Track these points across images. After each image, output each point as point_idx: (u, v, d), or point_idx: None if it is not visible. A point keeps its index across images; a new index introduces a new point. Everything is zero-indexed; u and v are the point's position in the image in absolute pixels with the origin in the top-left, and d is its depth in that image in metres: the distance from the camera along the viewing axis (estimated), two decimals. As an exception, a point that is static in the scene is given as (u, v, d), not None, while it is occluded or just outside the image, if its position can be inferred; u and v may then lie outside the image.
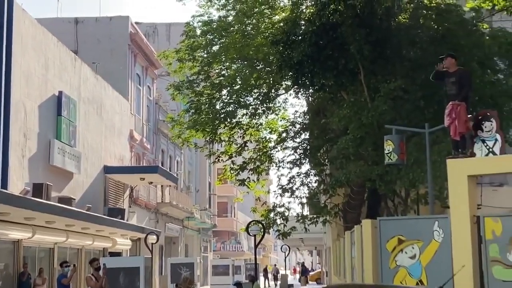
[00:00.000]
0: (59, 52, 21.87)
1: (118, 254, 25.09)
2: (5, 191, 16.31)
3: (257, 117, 20.25)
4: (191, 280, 15.92)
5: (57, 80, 21.14)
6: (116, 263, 18.46)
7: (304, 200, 20.02)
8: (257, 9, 19.09)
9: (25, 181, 18.65)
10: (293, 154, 19.89)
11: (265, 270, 38.46)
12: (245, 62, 19.33)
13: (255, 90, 19.57)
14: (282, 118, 21.23)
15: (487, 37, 15.88)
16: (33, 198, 16.94)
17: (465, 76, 9.89)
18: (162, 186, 33.04)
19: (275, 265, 38.16)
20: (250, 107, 19.85)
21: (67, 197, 20.56)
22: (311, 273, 41.76)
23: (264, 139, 21.25)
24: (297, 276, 35.76)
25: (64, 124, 21.06)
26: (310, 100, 19.86)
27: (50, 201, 18.33)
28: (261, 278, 40.24)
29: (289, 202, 20.02)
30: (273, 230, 22.66)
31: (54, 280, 19.03)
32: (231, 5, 19.30)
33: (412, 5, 16.20)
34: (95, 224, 21.52)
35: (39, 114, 19.91)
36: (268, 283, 39.57)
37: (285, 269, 41.66)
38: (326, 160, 19.15)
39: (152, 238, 25.64)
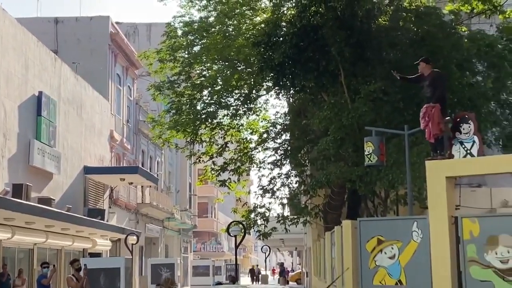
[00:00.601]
0: (39, 52, 21.76)
1: (98, 255, 25.14)
2: (-18, 192, 15.40)
3: (238, 118, 20.28)
4: (173, 281, 15.50)
5: (37, 80, 21.11)
6: (96, 264, 18.62)
7: (285, 201, 19.99)
8: (238, 10, 19.10)
9: (5, 182, 18.50)
10: (273, 155, 20.05)
11: (252, 271, 38.57)
12: (226, 63, 19.42)
13: (236, 91, 19.63)
14: (263, 119, 21.28)
15: (466, 40, 16.17)
16: (12, 199, 16.79)
17: (438, 78, 10.12)
18: (142, 186, 32.98)
19: (257, 265, 38.47)
20: (231, 108, 19.87)
21: (47, 198, 20.52)
22: (291, 274, 42.13)
23: (245, 140, 21.35)
24: (276, 276, 35.82)
25: (44, 124, 20.96)
26: (291, 101, 19.90)
27: (30, 202, 18.20)
28: (247, 279, 40.49)
29: (269, 203, 20.00)
30: (254, 230, 22.99)
31: (34, 280, 18.72)
32: (212, 6, 19.30)
33: (392, 7, 16.23)
34: (75, 224, 21.38)
35: (19, 114, 19.80)
36: (257, 284, 40.23)
37: (266, 270, 41.65)
38: (307, 161, 19.27)
39: (132, 239, 25.60)
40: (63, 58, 24.20)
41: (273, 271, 36.37)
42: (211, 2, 19.18)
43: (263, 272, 40.52)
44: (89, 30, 28.07)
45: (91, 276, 16.40)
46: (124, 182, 27.79)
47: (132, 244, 25.54)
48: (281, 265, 39.05)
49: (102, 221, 24.17)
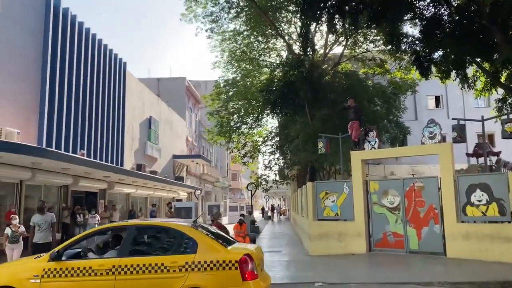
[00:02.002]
0: (150, 96, 31.53)
1: (180, 200, 34.12)
2: (122, 168, 24.15)
3: (252, 129, 29.09)
4: (219, 213, 18.14)
5: (148, 110, 30.95)
6: (179, 205, 25.43)
7: (276, 172, 28.68)
8: (252, 73, 27.81)
9: (132, 162, 27.78)
10: (270, 148, 28.50)
11: (262, 209, 49.00)
12: (246, 101, 27.79)
13: (251, 116, 28.31)
14: (265, 129, 30.41)
15: (371, 87, 22.13)
16: (136, 171, 25.15)
17: (357, 108, 14.86)
18: (202, 165, 43.60)
19: (272, 205, 49.57)
20: (248, 124, 28.68)
21: (154, 171, 29.88)
22: (281, 210, 54.57)
23: (255, 141, 30.31)
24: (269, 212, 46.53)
25: (152, 133, 30.93)
26: (280, 120, 26.73)
27: (145, 173, 26.51)
28: (258, 213, 51.42)
29: (268, 173, 28.85)
30: (260, 187, 30.23)
31: (148, 213, 27.36)
32: (238, 72, 27.98)
33: (332, 71, 22.49)
34: (169, 184, 30.37)
35: (139, 128, 29.35)
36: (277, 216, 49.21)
37: (266, 207, 52.97)
38: (288, 151, 25.04)
39: (198, 192, 35.01)
40: (162, 98, 34.15)
41: (271, 208, 46.19)
42: (238, 70, 27.83)
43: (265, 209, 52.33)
44: (175, 83, 38.25)
45: (177, 211, 22.84)
46: (193, 163, 38.58)
47: (198, 195, 34.87)
48: (272, 206, 48.77)
49: (182, 183, 33.66)
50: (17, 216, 11.54)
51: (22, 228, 10.76)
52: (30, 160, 15.08)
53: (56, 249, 6.63)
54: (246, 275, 6.03)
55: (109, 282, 6.13)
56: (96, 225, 18.39)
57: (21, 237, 10.59)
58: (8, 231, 10.57)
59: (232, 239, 7.44)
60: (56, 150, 17.31)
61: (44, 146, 17.81)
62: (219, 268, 6.02)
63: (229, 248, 6.43)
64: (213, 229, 7.42)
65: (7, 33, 16.91)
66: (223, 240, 6.84)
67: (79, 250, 6.73)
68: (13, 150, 13.55)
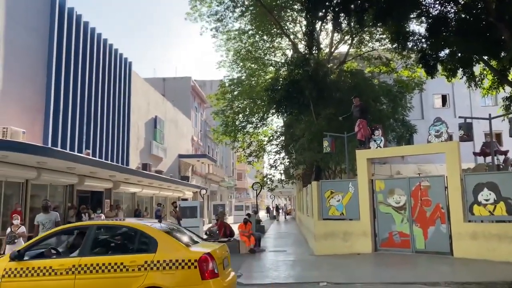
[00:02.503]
0: (155, 95, 31.58)
1: (185, 199, 34.18)
2: (128, 167, 23.98)
3: (257, 128, 29.03)
4: (224, 213, 20.94)
5: (154, 110, 30.93)
6: (184, 204, 25.03)
7: (282, 172, 28.45)
8: (257, 73, 27.65)
9: (138, 162, 27.74)
10: (276, 147, 28.27)
11: (268, 208, 49.40)
12: (251, 100, 27.57)
13: (256, 115, 28.17)
14: (270, 129, 30.30)
15: (377, 86, 21.91)
16: (142, 171, 24.98)
17: (364, 106, 14.70)
18: (208, 164, 43.72)
19: (277, 204, 49.85)
20: (254, 123, 28.57)
21: (160, 170, 29.90)
22: (287, 208, 54.69)
23: (261, 140, 30.25)
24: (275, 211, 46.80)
25: (158, 132, 30.90)
26: (285, 119, 26.33)
27: (151, 172, 26.45)
28: (263, 213, 51.45)
29: (274, 173, 28.82)
30: (266, 187, 30.25)
31: (153, 213, 25.70)
32: (243, 71, 27.81)
33: (338, 70, 22.61)
34: (174, 184, 30.42)
35: (145, 128, 29.33)
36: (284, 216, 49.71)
37: (272, 208, 52.59)
38: (293, 150, 24.27)
39: (203, 191, 34.83)
40: (167, 98, 34.24)
41: (275, 208, 46.32)
42: (243, 68, 27.66)
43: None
44: (181, 83, 38.36)
45: (182, 210, 22.33)
46: (199, 162, 38.52)
47: (203, 194, 34.71)
48: (277, 205, 49.06)
49: (187, 182, 33.65)
50: (18, 216, 11.51)
51: (22, 229, 10.71)
52: (35, 160, 15.14)
53: (17, 249, 6.70)
54: (206, 274, 6.09)
55: (69, 281, 6.18)
56: (101, 225, 18.19)
57: (20, 238, 10.53)
58: (9, 231, 10.54)
59: (199, 238, 7.49)
60: (61, 150, 17.34)
61: (49, 145, 17.84)
62: (178, 267, 6.08)
63: (191, 247, 6.48)
64: (180, 228, 7.52)
65: (12, 33, 16.98)
66: (189, 239, 6.90)
67: (42, 250, 6.78)
68: (19, 149, 13.61)
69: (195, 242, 6.96)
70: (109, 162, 22.08)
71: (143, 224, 6.74)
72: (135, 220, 7.18)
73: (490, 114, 13.35)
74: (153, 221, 7.12)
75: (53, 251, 6.73)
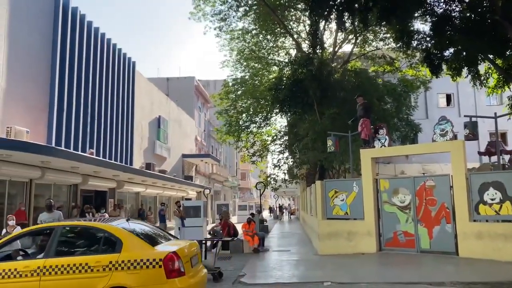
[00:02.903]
0: (159, 95, 31.58)
1: (189, 199, 34.34)
2: (131, 167, 24.03)
3: (261, 128, 28.95)
4: (228, 212, 19.15)
5: (157, 110, 30.99)
6: (188, 204, 23.94)
7: (285, 171, 28.26)
8: (260, 72, 27.58)
9: (141, 161, 27.81)
10: (279, 147, 28.21)
11: (270, 208, 49.58)
12: (255, 100, 27.47)
13: (260, 115, 28.11)
14: (274, 128, 30.32)
15: (381, 86, 21.74)
16: (145, 170, 25.27)
17: (367, 105, 14.49)
18: (211, 164, 43.90)
19: (280, 205, 50.06)
20: (257, 123, 28.47)
21: (163, 170, 29.78)
22: (292, 208, 54.76)
23: (264, 140, 30.22)
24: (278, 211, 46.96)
25: (161, 132, 30.96)
26: (288, 119, 25.98)
27: (154, 172, 26.79)
28: (267, 212, 51.49)
29: (277, 172, 28.72)
30: (269, 186, 30.39)
31: (157, 212, 25.91)
32: (247, 70, 27.77)
33: (341, 69, 22.46)
34: (178, 183, 30.56)
35: (149, 127, 29.38)
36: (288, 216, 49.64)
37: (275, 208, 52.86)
38: (297, 150, 24.64)
39: (207, 191, 35.12)
40: (171, 98, 34.22)
41: (279, 208, 46.41)
42: (246, 68, 27.60)
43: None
44: (184, 83, 38.48)
45: (185, 210, 21.22)
46: (202, 162, 38.71)
47: (207, 194, 34.90)
48: (280, 206, 49.39)
49: (191, 182, 33.65)
50: (14, 217, 11.45)
51: (18, 229, 10.62)
52: (39, 159, 15.20)
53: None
54: (171, 273, 6.12)
55: (34, 283, 6.16)
56: (105, 224, 18.19)
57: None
58: (4, 232, 10.54)
59: (171, 237, 7.50)
60: (65, 149, 17.43)
61: (53, 145, 17.95)
62: (143, 266, 6.10)
63: (157, 246, 6.50)
64: (149, 227, 7.48)
65: (16, 32, 17.05)
66: (157, 238, 6.92)
67: (9, 252, 6.77)
68: (23, 149, 13.67)
69: (165, 241, 6.97)
70: (112, 161, 22.13)
71: (108, 224, 6.75)
72: (101, 221, 7.19)
73: (495, 113, 13.30)
74: (120, 221, 7.06)
75: (20, 253, 6.75)
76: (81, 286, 6.12)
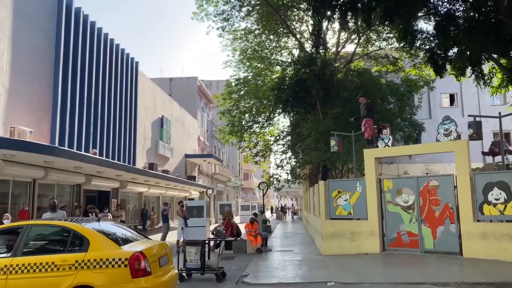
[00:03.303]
0: (162, 95, 31.78)
1: (192, 199, 34.67)
2: (134, 167, 24.43)
3: (263, 128, 28.83)
4: (231, 212, 19.19)
5: (160, 110, 31.16)
6: (191, 204, 24.16)
7: (288, 171, 28.43)
8: (263, 72, 27.49)
9: (144, 161, 28.04)
10: (282, 147, 28.11)
11: (282, 208, 49.18)
12: (257, 100, 27.21)
13: (263, 115, 27.97)
14: (277, 128, 30.18)
15: (384, 85, 22.05)
16: (148, 170, 25.57)
17: (370, 105, 14.50)
18: (214, 164, 43.91)
19: (282, 205, 50.20)
20: (260, 123, 28.36)
21: (166, 170, 30.12)
22: (295, 208, 54.88)
23: (267, 140, 30.14)
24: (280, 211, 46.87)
25: (164, 132, 31.12)
26: (291, 119, 26.88)
27: (157, 172, 26.96)
28: (269, 213, 51.65)
29: (280, 172, 28.65)
30: (272, 187, 29.75)
31: (160, 212, 26.41)
32: (250, 70, 27.58)
33: (344, 69, 22.79)
34: (181, 183, 30.71)
35: (152, 127, 29.66)
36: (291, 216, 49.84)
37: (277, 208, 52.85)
38: (300, 150, 24.64)
39: (209, 191, 34.92)
40: (174, 98, 34.45)
41: (281, 208, 46.56)
42: (249, 68, 27.44)
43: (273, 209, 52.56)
44: (187, 83, 38.53)
45: (189, 210, 21.19)
46: (205, 162, 38.88)
47: (210, 194, 34.68)
48: (282, 206, 49.19)
49: (194, 182, 33.85)
50: (9, 216, 11.39)
51: None
52: (42, 159, 15.26)
53: None
54: (137, 272, 6.20)
55: (0, 281, 6.22)
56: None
57: None
58: None
59: (140, 236, 7.53)
60: (68, 149, 17.57)
61: (56, 145, 18.06)
62: (109, 265, 6.18)
63: (124, 246, 6.58)
64: (120, 227, 7.55)
65: (19, 33, 17.14)
66: (126, 237, 7.00)
67: None
68: (26, 148, 13.73)
69: (134, 241, 7.05)
70: (116, 161, 22.20)
71: (76, 224, 6.80)
72: (69, 220, 7.21)
73: (500, 113, 13.23)
74: (91, 221, 7.14)
75: None
76: (47, 285, 6.18)
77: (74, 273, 6.16)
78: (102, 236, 6.61)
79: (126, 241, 6.93)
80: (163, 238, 19.27)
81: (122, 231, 7.35)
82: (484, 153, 17.03)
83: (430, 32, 15.24)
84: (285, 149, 28.19)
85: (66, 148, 17.93)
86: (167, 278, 6.99)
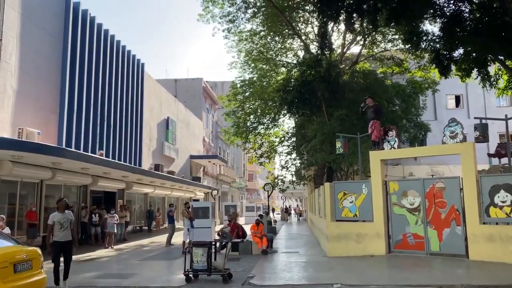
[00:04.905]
0: (167, 96, 31.92)
1: (197, 200, 34.04)
2: (140, 168, 24.70)
3: (268, 129, 28.74)
4: (236, 213, 19.17)
5: (166, 111, 31.26)
6: (196, 205, 22.56)
7: (293, 173, 27.78)
8: (268, 74, 27.40)
9: (150, 162, 28.11)
10: (287, 148, 28.13)
11: (286, 209, 49.47)
12: (263, 101, 26.90)
13: (268, 116, 27.86)
14: (282, 130, 30.03)
15: (390, 87, 21.88)
16: (154, 171, 25.57)
17: (377, 107, 14.54)
18: (219, 165, 44.21)
19: (290, 206, 50.11)
20: (265, 124, 28.32)
21: (172, 171, 30.15)
22: (300, 209, 54.94)
23: (272, 141, 29.95)
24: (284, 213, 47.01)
25: (170, 133, 31.22)
26: (296, 120, 26.44)
27: (163, 173, 27.11)
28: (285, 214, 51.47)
29: (285, 174, 28.53)
30: (277, 188, 29.25)
31: (165, 213, 26.30)
32: (255, 72, 27.47)
33: (350, 70, 22.62)
34: (186, 184, 30.83)
35: (157, 128, 29.76)
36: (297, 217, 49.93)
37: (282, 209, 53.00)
38: (305, 151, 24.49)
39: (214, 192, 35.26)
40: (179, 99, 34.65)
41: (285, 210, 46.72)
42: (254, 70, 27.33)
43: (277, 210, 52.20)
44: (192, 84, 38.70)
45: (194, 211, 19.68)
46: (210, 163, 39.06)
47: (215, 195, 34.97)
48: (286, 207, 49.51)
49: (199, 183, 34.03)
50: (4, 217, 11.47)
51: (7, 230, 10.63)
52: (50, 160, 15.39)
53: None
54: None
55: None
56: (115, 225, 18.56)
57: None
58: None
59: (5, 241, 7.47)
60: (75, 150, 17.68)
61: (63, 146, 18.19)
62: None
63: None
64: None
65: (27, 35, 17.29)
66: None
67: None
68: (34, 150, 13.85)
69: None
70: (122, 162, 22.31)
71: None
72: None
73: (506, 115, 13.18)
74: None
75: None
76: None
77: None
78: None
79: None
80: (169, 239, 19.33)
81: None
82: (490, 155, 16.96)
83: (436, 34, 15.27)
84: (290, 150, 28.16)
85: (73, 149, 18.06)
86: (24, 284, 6.92)
